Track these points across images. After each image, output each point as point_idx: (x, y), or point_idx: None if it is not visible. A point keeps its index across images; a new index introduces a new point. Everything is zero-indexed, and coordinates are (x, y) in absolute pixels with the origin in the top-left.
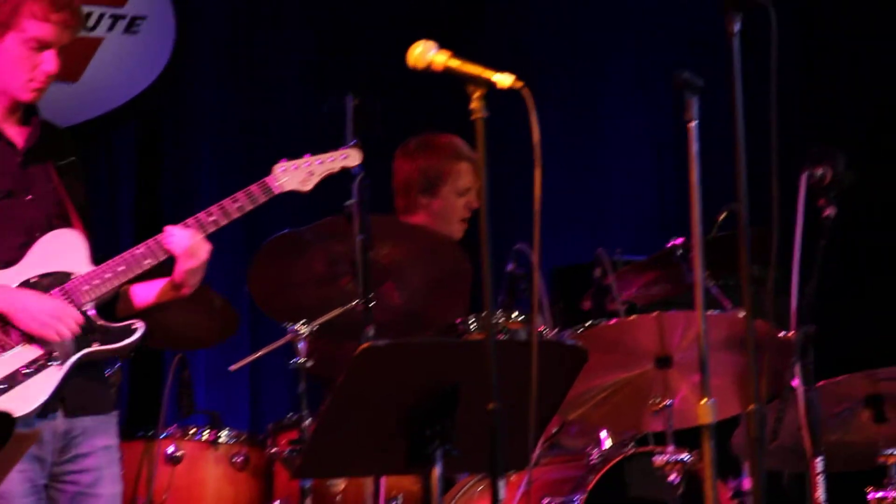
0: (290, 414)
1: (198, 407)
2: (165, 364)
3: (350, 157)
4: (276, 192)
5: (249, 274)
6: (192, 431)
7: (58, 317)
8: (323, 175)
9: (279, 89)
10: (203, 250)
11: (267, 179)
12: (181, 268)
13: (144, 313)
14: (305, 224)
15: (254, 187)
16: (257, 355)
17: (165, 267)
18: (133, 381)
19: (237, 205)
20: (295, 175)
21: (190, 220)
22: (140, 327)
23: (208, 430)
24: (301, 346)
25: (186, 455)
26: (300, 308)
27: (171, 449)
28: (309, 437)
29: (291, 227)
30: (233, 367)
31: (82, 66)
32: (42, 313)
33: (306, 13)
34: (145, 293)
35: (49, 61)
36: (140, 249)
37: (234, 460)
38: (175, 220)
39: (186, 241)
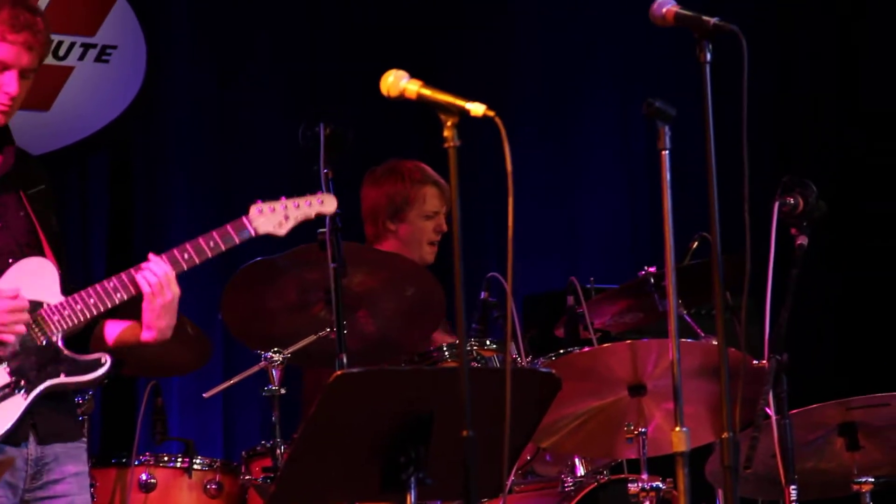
0: (264, 441)
1: (171, 434)
2: (139, 391)
3: (326, 203)
4: (252, 234)
5: (223, 301)
6: (165, 458)
7: (10, 311)
8: (298, 220)
9: (251, 117)
10: (170, 290)
11: (243, 219)
12: (146, 305)
13: (117, 351)
14: (279, 252)
15: (229, 227)
16: (231, 382)
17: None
18: (106, 407)
19: (211, 244)
20: (271, 218)
21: (163, 256)
22: (107, 362)
23: (182, 458)
24: (275, 373)
25: (160, 482)
26: (273, 336)
27: (144, 476)
28: (283, 465)
29: (264, 255)
30: (206, 395)
31: (53, 95)
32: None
33: (279, 43)
34: (114, 331)
35: (10, 83)
36: (112, 282)
37: (207, 487)
38: (148, 249)
39: (156, 277)
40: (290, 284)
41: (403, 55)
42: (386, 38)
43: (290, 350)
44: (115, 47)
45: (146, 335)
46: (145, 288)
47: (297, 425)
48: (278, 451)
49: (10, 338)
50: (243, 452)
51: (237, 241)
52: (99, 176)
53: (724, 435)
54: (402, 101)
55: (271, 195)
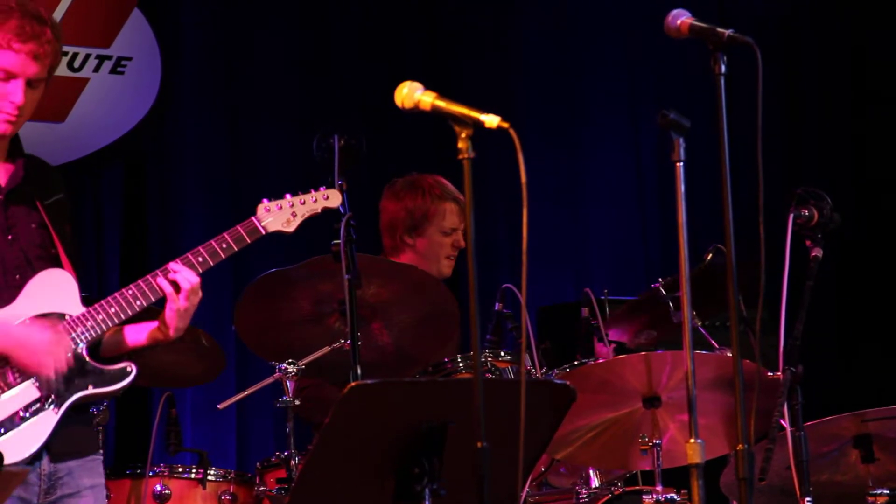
0: (278, 452)
1: (185, 445)
2: (153, 402)
3: (331, 198)
4: (263, 233)
5: (236, 313)
6: (180, 469)
7: (51, 352)
8: (305, 216)
9: (265, 129)
10: (196, 295)
11: (253, 219)
12: (172, 306)
13: (134, 354)
14: (293, 263)
15: (240, 228)
16: (245, 394)
17: (152, 310)
18: (121, 419)
19: (224, 245)
20: (279, 216)
21: (179, 260)
22: (133, 370)
23: (196, 469)
24: (289, 384)
25: (174, 493)
26: (287, 347)
27: (158, 487)
28: (297, 476)
29: (279, 267)
30: (221, 406)
31: (68, 107)
32: (40, 348)
33: (291, 54)
34: (136, 334)
35: (15, 92)
36: (131, 290)
37: (222, 499)
38: (161, 260)
39: (189, 282)
40: (305, 296)
41: (414, 68)
42: (397, 49)
43: (305, 361)
44: (130, 59)
45: (166, 334)
46: (184, 284)
47: (310, 436)
48: (292, 462)
49: (52, 373)
50: (258, 463)
51: (248, 240)
52: (113, 187)
53: (739, 447)
54: (416, 112)
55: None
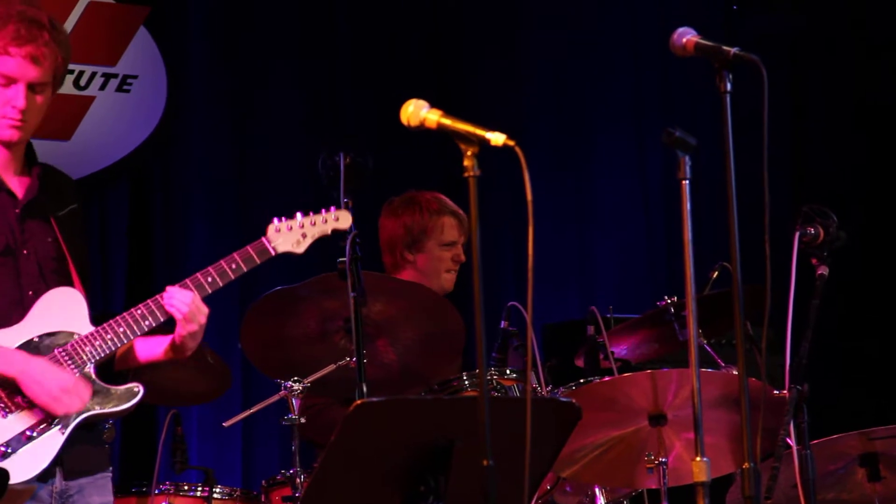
0: (284, 470)
1: (191, 462)
2: (159, 420)
3: (341, 220)
4: (272, 253)
5: (242, 330)
6: (185, 487)
7: (67, 392)
8: (315, 237)
9: (271, 146)
10: (202, 314)
11: (263, 240)
12: (180, 331)
13: (143, 369)
14: (298, 281)
15: (250, 248)
16: (251, 411)
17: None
18: (127, 436)
19: (233, 265)
20: (288, 236)
21: (188, 281)
22: (140, 391)
23: (202, 487)
24: (294, 402)
25: None
26: (293, 365)
27: None
28: (303, 494)
29: (284, 284)
30: (226, 423)
31: (74, 125)
32: (55, 387)
33: (298, 71)
34: (148, 350)
35: (17, 97)
36: (140, 310)
37: None
38: (167, 278)
39: (186, 306)
40: (310, 313)
41: (421, 86)
42: (404, 67)
43: (310, 379)
44: (135, 77)
45: (184, 353)
46: (178, 315)
47: (316, 454)
48: (298, 480)
49: (59, 410)
50: (263, 481)
51: (258, 261)
52: (119, 205)
53: (745, 465)
54: (422, 130)
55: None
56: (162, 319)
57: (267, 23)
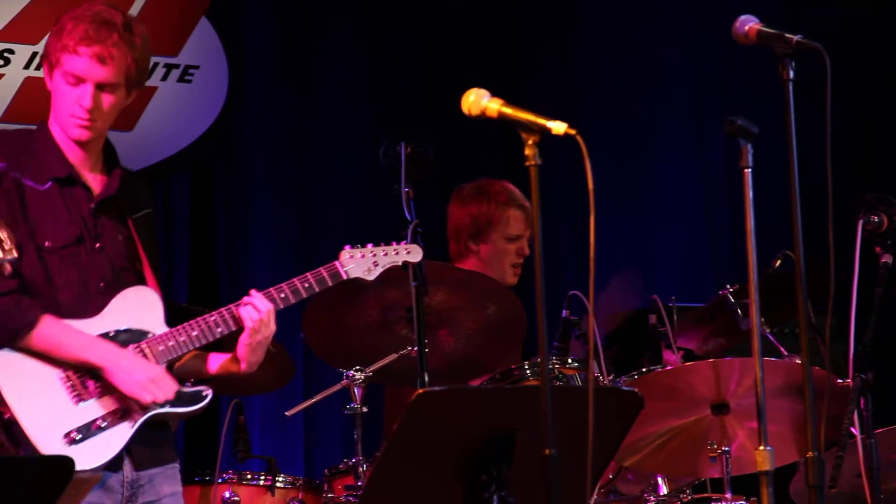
0: (346, 459)
1: (253, 452)
2: (222, 409)
3: (412, 253)
4: (344, 277)
5: (304, 320)
6: (248, 476)
7: (156, 381)
8: (386, 267)
9: (332, 135)
10: (270, 327)
11: (336, 264)
12: (244, 341)
13: (208, 381)
14: None
15: (323, 270)
16: (313, 401)
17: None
18: (190, 426)
19: (306, 285)
20: (361, 263)
21: (262, 293)
22: (209, 394)
23: (265, 476)
24: (356, 391)
25: (243, 500)
26: (355, 354)
27: (227, 494)
28: (365, 483)
29: None
30: (289, 413)
31: (136, 115)
32: (143, 377)
33: (359, 62)
34: (217, 363)
35: (84, 97)
36: (214, 317)
37: None
38: (229, 268)
39: (259, 314)
40: (372, 303)
41: (480, 75)
42: (463, 56)
43: (372, 368)
44: (197, 67)
45: (244, 367)
46: (248, 323)
47: (378, 443)
48: (360, 469)
49: (147, 398)
50: (326, 471)
51: (329, 283)
52: (181, 195)
53: (809, 454)
54: (483, 119)
55: (352, 214)
56: (234, 328)
57: (327, 11)
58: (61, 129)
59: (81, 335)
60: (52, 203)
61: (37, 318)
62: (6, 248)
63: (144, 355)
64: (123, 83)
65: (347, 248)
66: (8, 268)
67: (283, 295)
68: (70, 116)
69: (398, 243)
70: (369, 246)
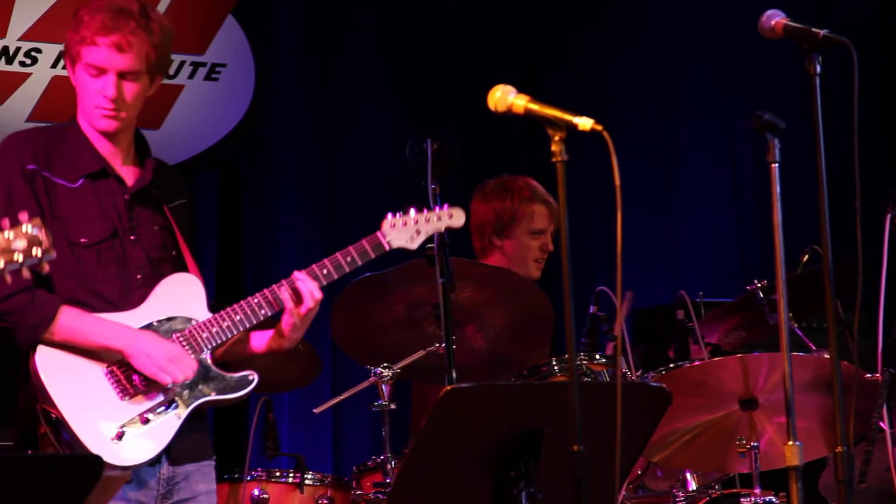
0: (374, 456)
1: (282, 449)
2: (250, 406)
3: (455, 217)
4: (387, 248)
5: (332, 317)
6: (277, 474)
7: (174, 361)
8: (429, 233)
9: (359, 132)
10: (315, 301)
11: (377, 234)
12: (288, 319)
13: (250, 360)
14: (387, 267)
15: (365, 242)
16: (341, 398)
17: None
18: (218, 423)
19: (349, 259)
20: (403, 232)
21: (304, 271)
22: (255, 379)
23: (293, 473)
24: (384, 388)
25: (272, 497)
26: (382, 351)
27: (256, 491)
28: (394, 480)
29: (373, 271)
30: (317, 410)
31: (163, 114)
32: (160, 357)
33: (385, 60)
34: (259, 341)
35: (107, 87)
36: (256, 299)
37: (319, 502)
38: (256, 264)
39: (310, 295)
40: (399, 300)
41: (507, 71)
42: (490, 53)
43: (400, 365)
44: (224, 65)
45: (281, 343)
46: (289, 304)
47: (406, 440)
48: (389, 466)
49: (167, 379)
50: (354, 468)
51: (372, 255)
52: (208, 193)
53: (838, 449)
54: (509, 115)
55: (379, 211)
56: (277, 309)
57: (354, 8)
58: (88, 122)
59: (100, 321)
60: (85, 200)
61: (55, 311)
62: (44, 247)
63: (191, 343)
64: (145, 70)
65: (389, 215)
66: (25, 272)
67: (325, 271)
68: (95, 108)
69: (441, 207)
70: (411, 211)
